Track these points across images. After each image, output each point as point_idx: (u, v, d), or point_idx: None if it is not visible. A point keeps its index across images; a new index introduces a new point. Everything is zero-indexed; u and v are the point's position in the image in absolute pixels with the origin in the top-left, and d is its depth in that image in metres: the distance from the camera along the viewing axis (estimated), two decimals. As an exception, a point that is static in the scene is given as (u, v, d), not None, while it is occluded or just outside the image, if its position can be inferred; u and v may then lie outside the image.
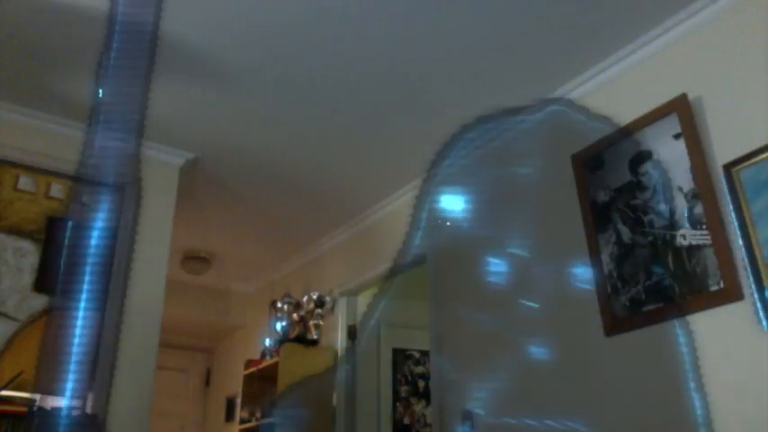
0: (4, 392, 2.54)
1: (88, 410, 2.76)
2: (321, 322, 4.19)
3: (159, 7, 2.35)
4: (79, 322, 2.88)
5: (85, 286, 2.95)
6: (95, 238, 3.04)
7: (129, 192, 3.21)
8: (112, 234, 3.09)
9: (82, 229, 3.03)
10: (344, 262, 4.29)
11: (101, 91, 2.77)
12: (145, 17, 2.41)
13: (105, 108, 2.90)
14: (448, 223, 3.40)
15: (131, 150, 3.17)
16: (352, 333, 4.14)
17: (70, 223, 2.99)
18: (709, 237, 2.21)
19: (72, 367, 2.81)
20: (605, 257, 2.54)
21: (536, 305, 2.83)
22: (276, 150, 3.41)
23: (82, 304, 2.92)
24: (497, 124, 3.04)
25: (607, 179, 2.61)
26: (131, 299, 3.03)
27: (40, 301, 2.83)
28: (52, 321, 2.83)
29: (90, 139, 3.05)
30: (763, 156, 2.12)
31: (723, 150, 2.25)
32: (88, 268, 3.00)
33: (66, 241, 2.96)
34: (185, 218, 3.76)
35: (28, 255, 2.87)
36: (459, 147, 3.25)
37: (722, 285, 2.14)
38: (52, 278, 2.89)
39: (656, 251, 2.38)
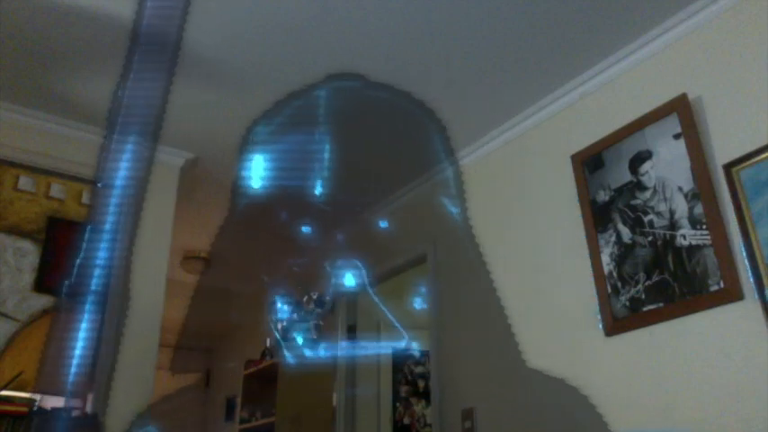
0: (4, 392, 2.54)
1: (88, 410, 2.76)
2: (321, 322, 4.19)
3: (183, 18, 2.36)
4: (79, 322, 2.88)
5: (86, 286, 2.96)
6: (96, 238, 3.05)
7: (129, 192, 3.21)
8: (113, 234, 3.09)
9: (83, 229, 3.03)
10: (344, 262, 4.28)
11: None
12: (167, 26, 2.42)
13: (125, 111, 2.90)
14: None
15: (144, 153, 3.20)
16: (352, 333, 4.14)
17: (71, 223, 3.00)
18: (709, 237, 2.21)
19: (72, 367, 2.81)
20: (605, 257, 2.54)
21: (536, 305, 2.83)
22: (276, 150, 3.41)
23: (82, 304, 2.92)
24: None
25: (607, 179, 2.61)
26: (131, 299, 3.03)
27: (40, 301, 2.83)
28: (52, 321, 2.83)
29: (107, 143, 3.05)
30: (763, 156, 2.12)
31: (723, 150, 2.25)
32: (88, 268, 3.00)
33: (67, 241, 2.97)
34: (185, 218, 3.75)
35: (28, 255, 2.87)
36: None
37: (722, 285, 2.14)
38: (52, 278, 2.89)
39: (656, 251, 2.38)
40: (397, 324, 2.99)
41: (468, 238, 3.24)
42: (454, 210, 3.43)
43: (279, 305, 4.04)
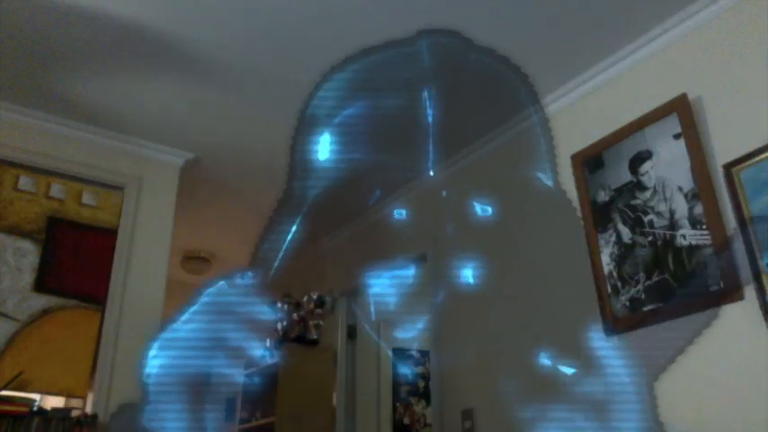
0: (4, 392, 2.54)
1: (88, 410, 2.76)
2: (321, 322, 4.18)
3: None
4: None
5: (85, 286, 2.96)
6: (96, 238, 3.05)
7: (129, 192, 3.22)
8: (112, 234, 3.10)
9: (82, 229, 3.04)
10: (345, 261, 4.28)
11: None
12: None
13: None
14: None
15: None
16: (352, 333, 4.13)
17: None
18: (709, 237, 2.21)
19: (72, 368, 2.82)
20: (605, 257, 2.54)
21: (536, 305, 2.83)
22: (276, 150, 3.41)
23: (81, 304, 2.93)
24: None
25: (607, 179, 2.61)
26: (131, 299, 3.02)
27: (40, 301, 2.83)
28: (52, 321, 2.83)
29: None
30: (763, 156, 2.12)
31: (723, 150, 2.25)
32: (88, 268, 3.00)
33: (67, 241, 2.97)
34: (185, 218, 3.75)
35: (28, 255, 2.87)
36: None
37: (722, 285, 2.14)
38: (52, 278, 2.89)
39: (656, 251, 2.38)
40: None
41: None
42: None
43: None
